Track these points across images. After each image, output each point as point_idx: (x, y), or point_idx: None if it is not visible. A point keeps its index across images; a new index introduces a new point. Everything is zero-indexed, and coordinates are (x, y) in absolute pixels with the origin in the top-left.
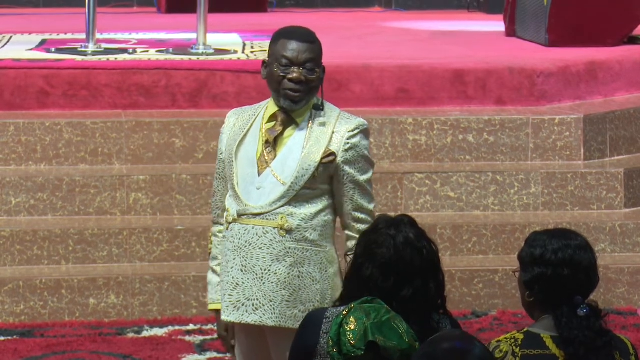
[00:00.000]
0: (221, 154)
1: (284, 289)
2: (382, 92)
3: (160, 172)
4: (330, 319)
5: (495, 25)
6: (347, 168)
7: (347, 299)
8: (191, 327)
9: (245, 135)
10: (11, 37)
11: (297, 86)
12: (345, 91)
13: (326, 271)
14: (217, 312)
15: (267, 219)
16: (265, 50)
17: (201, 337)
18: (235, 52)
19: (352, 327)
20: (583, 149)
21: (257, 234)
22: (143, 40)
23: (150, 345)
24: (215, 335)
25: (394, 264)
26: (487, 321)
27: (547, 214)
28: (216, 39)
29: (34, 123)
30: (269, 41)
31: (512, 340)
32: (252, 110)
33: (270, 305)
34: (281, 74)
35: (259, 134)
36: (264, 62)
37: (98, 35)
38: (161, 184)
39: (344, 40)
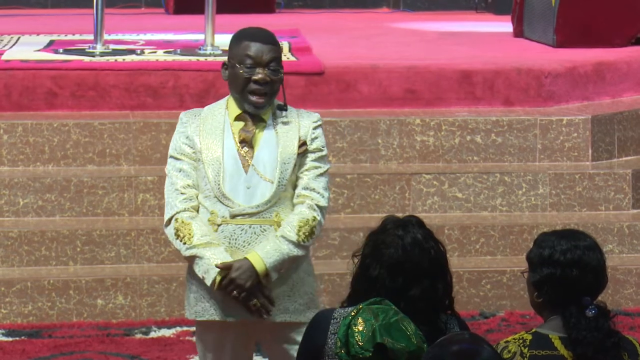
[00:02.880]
0: (185, 154)
1: (284, 284)
2: (389, 93)
3: None
4: (338, 319)
5: (503, 25)
6: (310, 155)
7: (354, 299)
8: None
9: (222, 136)
10: (19, 37)
11: (262, 87)
12: (353, 92)
13: (310, 264)
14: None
15: (264, 217)
16: None
17: None
18: None
19: (360, 328)
20: (591, 149)
21: (255, 233)
22: (151, 41)
23: (158, 346)
24: None
25: (401, 265)
26: (495, 322)
27: (554, 214)
28: (224, 40)
29: (42, 124)
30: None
31: (521, 341)
32: (211, 111)
33: (276, 302)
34: (246, 76)
35: (232, 135)
36: (224, 64)
37: (106, 36)
38: None
39: (351, 40)
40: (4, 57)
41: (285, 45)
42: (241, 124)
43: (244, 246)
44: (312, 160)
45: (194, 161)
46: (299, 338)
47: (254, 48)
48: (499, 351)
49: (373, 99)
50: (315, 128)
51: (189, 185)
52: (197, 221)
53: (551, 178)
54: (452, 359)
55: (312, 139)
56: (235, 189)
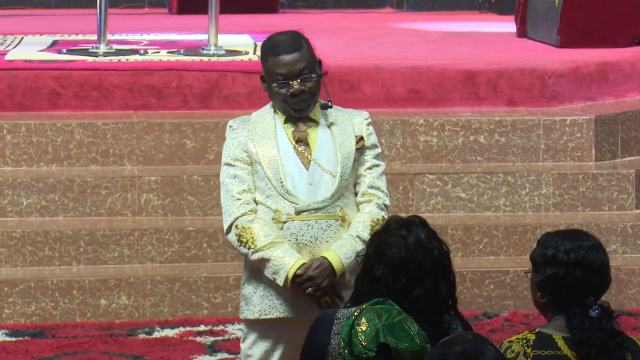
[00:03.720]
0: (239, 160)
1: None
2: (393, 93)
3: (171, 173)
4: (341, 319)
5: (507, 26)
6: (368, 152)
7: (357, 299)
8: (202, 328)
9: (275, 138)
10: (22, 38)
11: (300, 97)
12: (356, 92)
13: None
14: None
15: (329, 212)
16: None
17: (212, 338)
18: (247, 53)
19: (364, 329)
20: (594, 149)
21: (321, 228)
22: (154, 41)
23: (161, 346)
24: (227, 337)
25: (404, 265)
26: (498, 322)
27: (558, 215)
28: (227, 40)
29: (45, 124)
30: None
31: (524, 341)
32: (260, 116)
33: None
34: (282, 91)
35: (286, 136)
36: (262, 76)
37: (109, 36)
38: (172, 185)
39: (355, 41)
40: (7, 57)
41: None
42: (292, 125)
43: (311, 242)
44: (372, 157)
45: (248, 165)
46: None
47: (280, 63)
48: (502, 351)
49: (376, 99)
50: (368, 125)
51: (244, 190)
52: (257, 223)
53: (554, 178)
54: None
55: (368, 135)
56: (298, 186)
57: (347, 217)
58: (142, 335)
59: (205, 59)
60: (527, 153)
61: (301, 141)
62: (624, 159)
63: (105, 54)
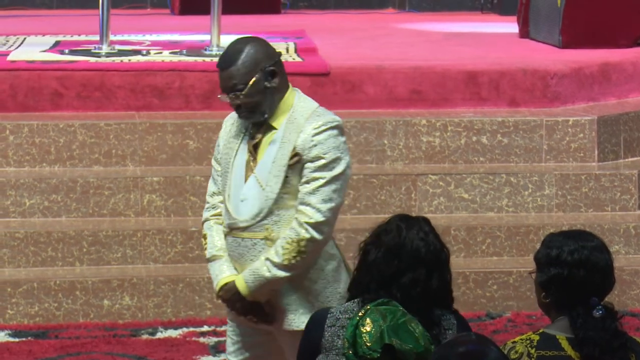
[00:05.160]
0: (216, 159)
1: (280, 296)
2: (395, 94)
3: (174, 173)
4: (335, 313)
5: (509, 26)
6: (309, 164)
7: (354, 286)
8: (205, 328)
9: (239, 144)
10: (25, 38)
11: (239, 110)
12: (358, 92)
13: (322, 270)
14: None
15: (254, 231)
16: (279, 52)
17: (215, 339)
18: None
19: (368, 329)
20: (597, 150)
21: (246, 246)
22: (156, 41)
23: (164, 347)
24: None
25: (397, 250)
26: (501, 323)
27: (561, 215)
28: (230, 40)
29: (48, 125)
30: (283, 42)
31: (528, 341)
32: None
33: (280, 311)
34: (227, 101)
35: (246, 143)
36: None
37: (111, 37)
38: (175, 185)
39: (357, 41)
40: (9, 58)
41: (291, 45)
42: (255, 131)
43: (238, 258)
44: (311, 171)
45: (220, 166)
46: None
47: (219, 77)
48: (506, 352)
49: (379, 100)
50: (316, 134)
51: (214, 193)
52: (212, 231)
53: (557, 179)
54: None
55: (311, 147)
56: (234, 202)
57: (275, 235)
58: (145, 336)
59: (207, 59)
60: (530, 154)
61: (254, 150)
62: (626, 160)
63: (108, 55)
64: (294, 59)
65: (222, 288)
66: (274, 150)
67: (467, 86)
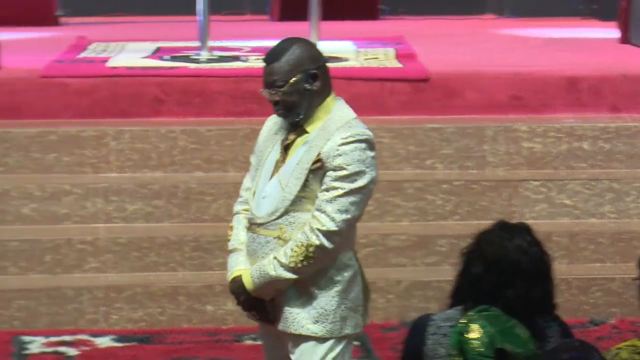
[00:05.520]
0: (254, 155)
1: (285, 297)
2: (495, 100)
3: None
4: (437, 321)
5: (609, 31)
6: (330, 173)
7: (456, 296)
8: None
9: (275, 143)
10: (126, 45)
11: (276, 107)
12: (457, 98)
13: (332, 278)
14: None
15: (269, 229)
16: (377, 58)
17: None
18: (348, 59)
19: (477, 335)
20: None
21: (260, 243)
22: (256, 47)
23: None
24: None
25: (499, 263)
26: (605, 330)
27: None
28: (329, 46)
29: (149, 130)
30: (382, 48)
31: (632, 348)
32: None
33: (282, 312)
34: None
35: (280, 143)
36: None
37: (211, 43)
38: None
39: (456, 47)
40: (109, 64)
41: (390, 51)
42: (291, 132)
43: (253, 253)
44: (331, 180)
45: (255, 162)
46: (295, 350)
47: (263, 71)
48: (610, 358)
49: (478, 106)
50: (343, 145)
51: (248, 188)
52: (239, 225)
53: None
54: None
55: (335, 156)
56: (257, 198)
57: (288, 236)
58: (248, 342)
59: None
60: (632, 160)
61: (286, 150)
62: None
63: (208, 61)
64: (393, 65)
65: (233, 280)
66: (301, 153)
67: (568, 92)
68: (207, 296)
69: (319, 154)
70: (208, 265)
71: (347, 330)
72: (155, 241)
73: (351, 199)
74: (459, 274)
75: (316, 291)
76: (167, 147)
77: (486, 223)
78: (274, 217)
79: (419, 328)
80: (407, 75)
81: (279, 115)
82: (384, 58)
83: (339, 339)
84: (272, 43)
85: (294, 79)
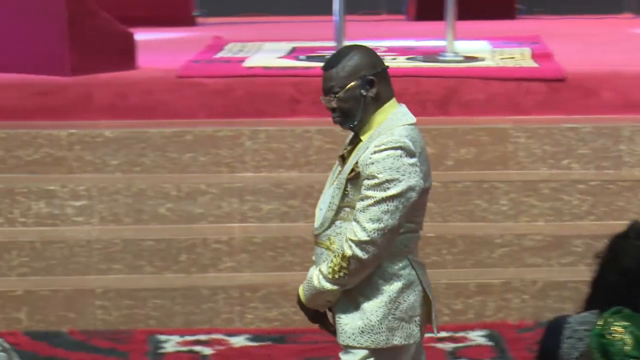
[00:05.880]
0: None
1: (336, 309)
2: (632, 99)
3: None
4: (572, 324)
5: None
6: (365, 182)
7: (591, 303)
8: (443, 334)
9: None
10: (263, 44)
11: (334, 114)
12: (594, 98)
13: (379, 289)
14: None
15: (322, 240)
16: (514, 57)
17: (453, 345)
18: (484, 59)
19: (621, 337)
20: None
21: (317, 254)
22: (392, 47)
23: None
24: (467, 343)
25: (635, 275)
26: None
27: None
28: (465, 46)
29: (285, 130)
30: (518, 48)
31: None
32: None
33: (336, 323)
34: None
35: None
36: None
37: (347, 43)
38: None
39: (592, 46)
40: (245, 64)
41: (526, 51)
42: (351, 142)
43: (315, 265)
44: (365, 189)
45: None
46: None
47: (322, 78)
48: None
49: (615, 105)
50: (375, 153)
51: None
52: None
53: None
54: None
55: (368, 164)
56: (317, 208)
57: (334, 247)
58: None
59: (443, 65)
60: None
61: (344, 160)
62: None
63: None
64: (529, 64)
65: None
66: (349, 163)
67: None
68: None
69: (356, 163)
70: None
71: (395, 341)
72: (290, 241)
73: (384, 207)
74: (594, 280)
75: (363, 301)
76: (302, 147)
77: (622, 224)
78: (323, 229)
79: (554, 330)
80: (543, 75)
81: (335, 122)
82: (520, 58)
83: (384, 350)
84: (408, 43)
85: (350, 84)
